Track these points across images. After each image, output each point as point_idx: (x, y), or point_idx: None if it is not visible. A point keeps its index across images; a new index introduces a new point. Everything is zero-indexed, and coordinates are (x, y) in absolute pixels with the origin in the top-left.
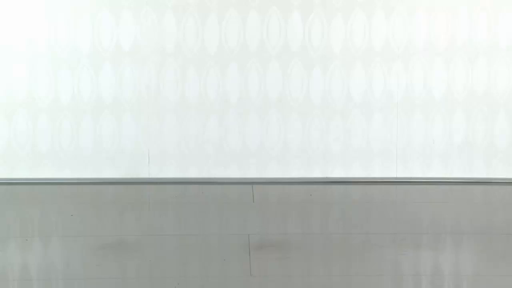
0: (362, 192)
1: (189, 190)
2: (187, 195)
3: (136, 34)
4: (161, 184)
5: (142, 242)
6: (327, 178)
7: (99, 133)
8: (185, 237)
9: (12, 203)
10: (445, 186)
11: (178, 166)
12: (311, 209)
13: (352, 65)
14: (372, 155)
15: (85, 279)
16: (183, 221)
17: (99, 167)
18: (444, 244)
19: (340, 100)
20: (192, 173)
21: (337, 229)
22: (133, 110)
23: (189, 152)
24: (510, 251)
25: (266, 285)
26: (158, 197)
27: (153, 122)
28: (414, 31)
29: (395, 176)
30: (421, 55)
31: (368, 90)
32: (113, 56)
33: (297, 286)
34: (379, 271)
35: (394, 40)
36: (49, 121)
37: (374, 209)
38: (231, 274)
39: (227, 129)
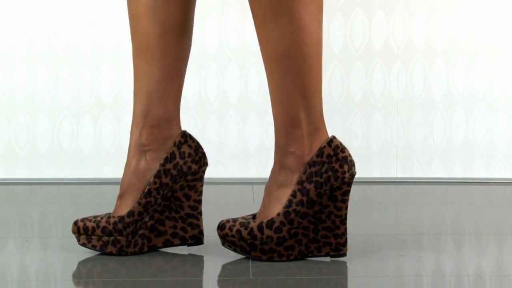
0: (362, 192)
1: None
2: None
3: None
4: None
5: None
6: None
7: (99, 133)
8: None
9: (11, 203)
10: (446, 186)
11: None
12: None
13: (352, 65)
14: (372, 155)
15: (85, 280)
16: None
17: (99, 167)
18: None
19: (341, 100)
20: None
21: None
22: None
23: None
24: None
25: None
26: None
27: None
28: (414, 31)
29: (395, 176)
30: (421, 55)
31: (368, 90)
32: (113, 56)
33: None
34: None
35: (394, 39)
36: (49, 121)
37: (374, 209)
38: (231, 273)
39: (227, 129)
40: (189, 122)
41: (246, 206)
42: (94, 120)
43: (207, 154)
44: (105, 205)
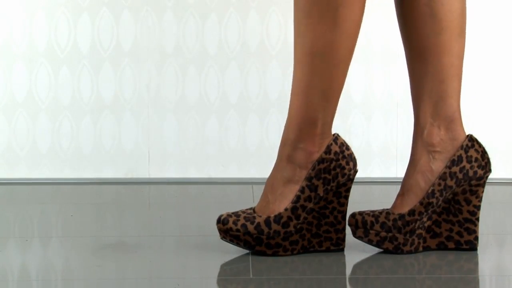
0: (362, 192)
1: (189, 190)
2: (187, 195)
3: (136, 34)
4: (161, 184)
5: (142, 243)
6: None
7: (99, 133)
8: (184, 238)
9: (11, 203)
10: None
11: (178, 166)
12: None
13: (352, 64)
14: (372, 155)
15: (85, 280)
16: (183, 222)
17: (99, 167)
18: None
19: (341, 100)
20: (192, 173)
21: None
22: (133, 110)
23: (189, 152)
24: None
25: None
26: (158, 197)
27: (153, 122)
28: None
29: (395, 176)
30: None
31: (368, 90)
32: (113, 56)
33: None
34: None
35: (393, 39)
36: (49, 121)
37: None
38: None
39: (227, 129)
40: (189, 122)
41: (246, 206)
42: (94, 120)
43: (207, 154)
44: (105, 205)
